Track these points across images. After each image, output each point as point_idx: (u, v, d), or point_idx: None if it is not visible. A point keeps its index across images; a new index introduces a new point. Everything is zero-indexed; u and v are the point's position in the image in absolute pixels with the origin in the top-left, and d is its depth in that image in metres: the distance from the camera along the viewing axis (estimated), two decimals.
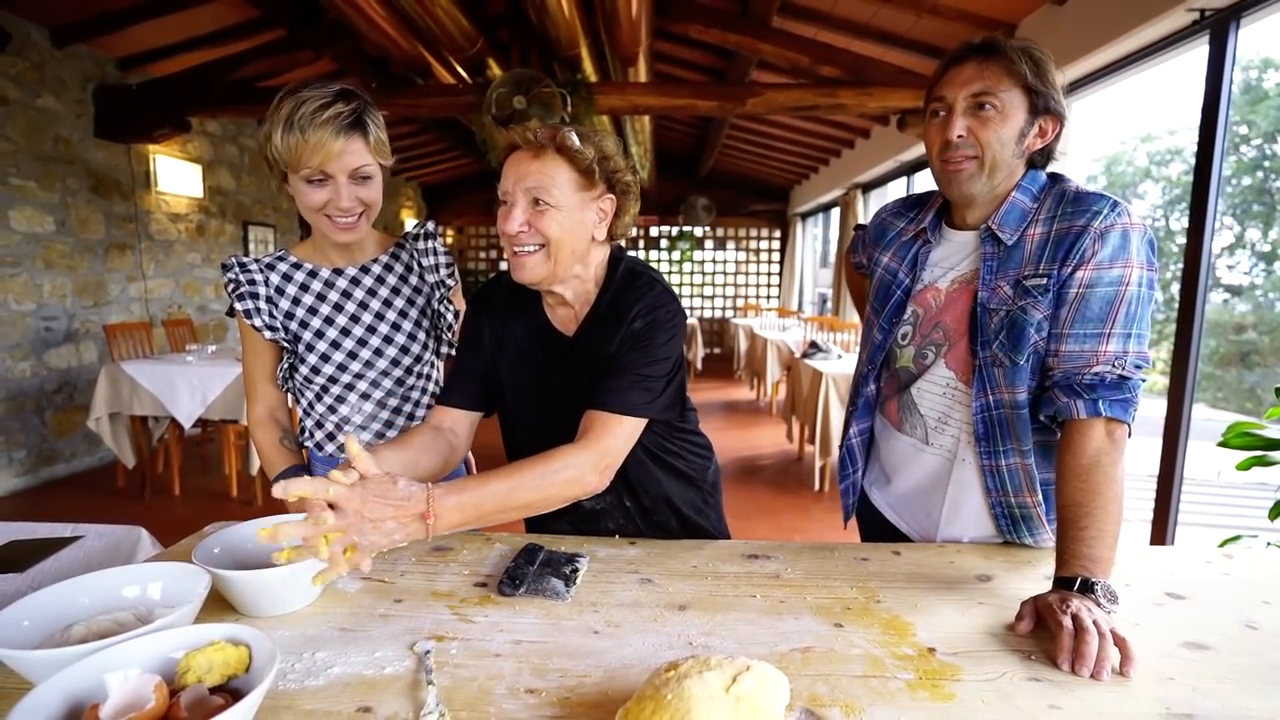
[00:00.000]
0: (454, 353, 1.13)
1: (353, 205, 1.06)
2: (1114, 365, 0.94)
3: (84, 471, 4.38)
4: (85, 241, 4.36)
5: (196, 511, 3.60)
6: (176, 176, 5.00)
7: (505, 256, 1.02)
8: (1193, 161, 2.34)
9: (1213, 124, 2.26)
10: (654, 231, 10.14)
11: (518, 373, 1.10)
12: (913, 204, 1.20)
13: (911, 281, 1.12)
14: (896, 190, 6.00)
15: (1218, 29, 2.30)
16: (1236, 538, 1.65)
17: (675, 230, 10.03)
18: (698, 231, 10.06)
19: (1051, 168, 1.07)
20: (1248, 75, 10.50)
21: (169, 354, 4.09)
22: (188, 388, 3.41)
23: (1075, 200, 0.98)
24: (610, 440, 0.96)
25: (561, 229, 0.97)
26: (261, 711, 0.65)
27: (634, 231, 10.10)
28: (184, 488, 3.87)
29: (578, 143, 0.96)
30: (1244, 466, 1.68)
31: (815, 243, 9.25)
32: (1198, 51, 2.46)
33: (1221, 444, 1.70)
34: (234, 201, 5.74)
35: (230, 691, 0.64)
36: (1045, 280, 0.97)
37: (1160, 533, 2.51)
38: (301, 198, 1.06)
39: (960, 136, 0.99)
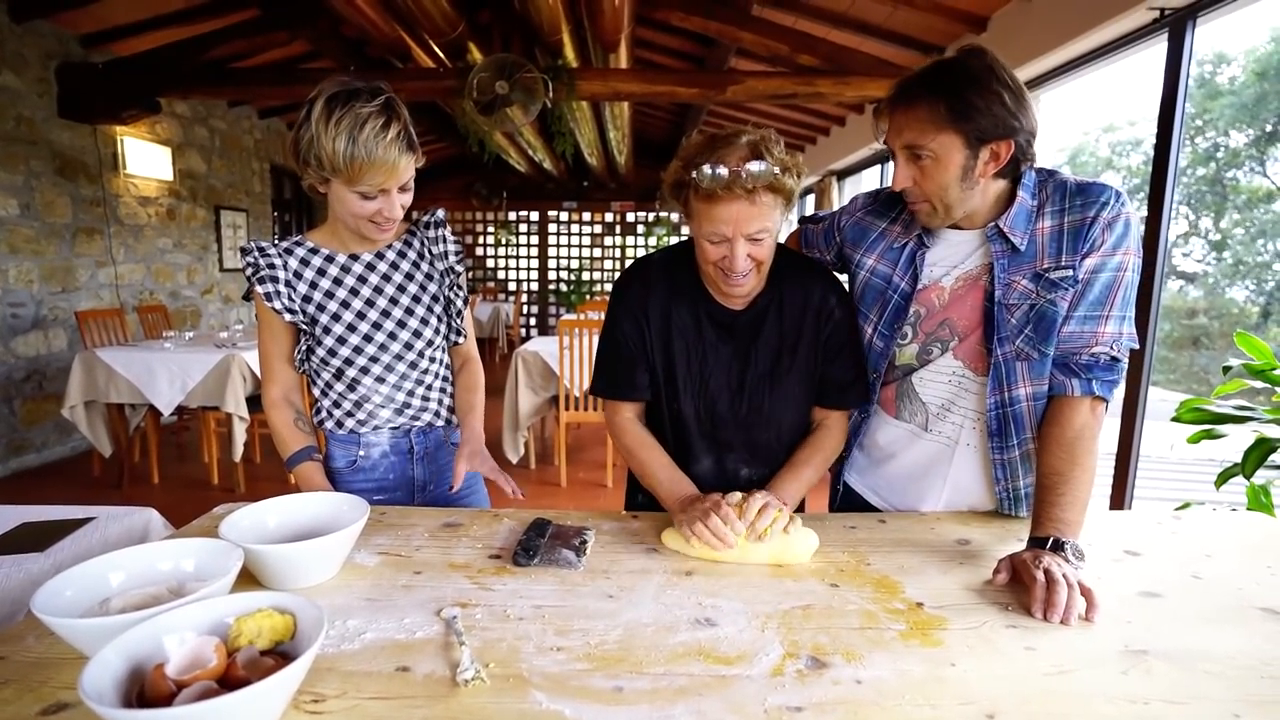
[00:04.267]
0: (607, 346, 1.17)
1: (398, 215, 1.12)
2: (1110, 347, 1.00)
3: (56, 461, 4.29)
4: (52, 226, 4.23)
5: (177, 500, 3.56)
6: (145, 159, 4.86)
7: (711, 275, 1.08)
8: (1151, 152, 2.46)
9: (1170, 118, 2.38)
10: (630, 217, 10.14)
11: (690, 350, 1.15)
12: (889, 201, 1.17)
13: (911, 285, 1.11)
14: (871, 177, 6.10)
15: (1176, 27, 2.41)
16: (1186, 505, 1.78)
17: (652, 216, 10.05)
18: (674, 217, 10.08)
19: None
20: (1203, 69, 10.90)
21: (144, 341, 4.01)
22: (167, 375, 3.36)
23: (1080, 191, 1.01)
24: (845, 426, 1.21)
25: (771, 250, 1.05)
26: (308, 673, 0.69)
27: (610, 217, 10.15)
28: (162, 476, 3.82)
29: (791, 182, 0.97)
30: (1195, 439, 1.80)
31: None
32: (1157, 48, 2.57)
33: (1175, 419, 1.82)
34: (205, 185, 5.60)
35: (280, 655, 0.68)
36: (1070, 271, 0.99)
37: (1118, 505, 2.67)
38: (348, 205, 1.09)
39: (906, 188, 1.03)
